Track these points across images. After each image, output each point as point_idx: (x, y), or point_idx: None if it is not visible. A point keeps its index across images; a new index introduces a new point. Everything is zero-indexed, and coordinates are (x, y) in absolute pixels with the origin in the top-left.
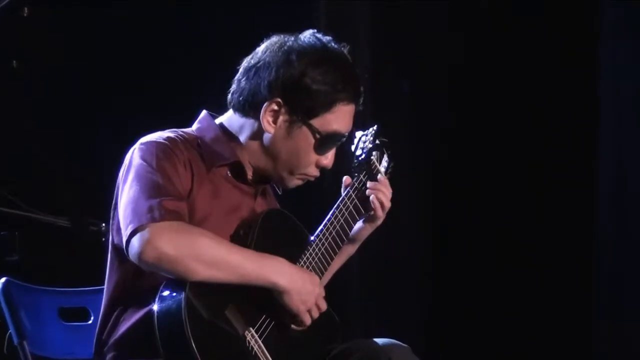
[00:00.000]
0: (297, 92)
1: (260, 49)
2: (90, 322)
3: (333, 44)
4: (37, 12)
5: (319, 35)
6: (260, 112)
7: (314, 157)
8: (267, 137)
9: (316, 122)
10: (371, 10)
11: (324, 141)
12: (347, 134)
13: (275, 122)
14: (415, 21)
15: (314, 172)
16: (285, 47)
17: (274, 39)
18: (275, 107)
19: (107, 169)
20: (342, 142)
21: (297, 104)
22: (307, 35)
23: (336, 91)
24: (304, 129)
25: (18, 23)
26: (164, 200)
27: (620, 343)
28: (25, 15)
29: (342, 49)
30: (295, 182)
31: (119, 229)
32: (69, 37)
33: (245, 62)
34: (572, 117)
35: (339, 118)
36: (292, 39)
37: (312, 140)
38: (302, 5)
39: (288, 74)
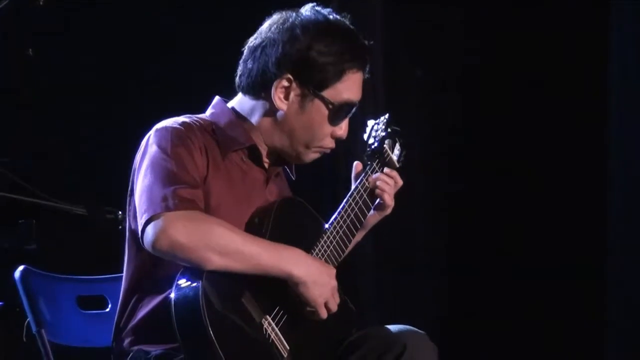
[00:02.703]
0: (305, 66)
1: (264, 27)
2: (108, 310)
3: (334, 15)
4: (52, 2)
5: (319, 8)
6: (270, 90)
7: (328, 128)
8: (280, 114)
9: (327, 94)
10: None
11: (337, 111)
12: (358, 102)
13: (287, 98)
14: (430, 8)
15: (330, 143)
16: (289, 23)
17: (276, 16)
18: (286, 83)
19: (123, 155)
20: (354, 111)
21: (307, 77)
22: (307, 9)
23: (343, 61)
24: (317, 101)
25: (34, 12)
26: (179, 188)
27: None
28: (41, 4)
29: (344, 18)
30: (312, 155)
31: (135, 215)
32: (84, 24)
33: (250, 43)
34: (582, 112)
35: (349, 87)
36: (294, 14)
37: (326, 112)
38: None
39: (295, 49)
